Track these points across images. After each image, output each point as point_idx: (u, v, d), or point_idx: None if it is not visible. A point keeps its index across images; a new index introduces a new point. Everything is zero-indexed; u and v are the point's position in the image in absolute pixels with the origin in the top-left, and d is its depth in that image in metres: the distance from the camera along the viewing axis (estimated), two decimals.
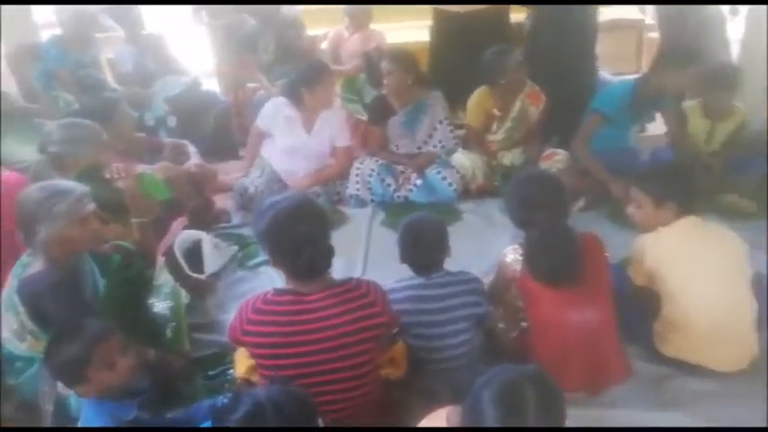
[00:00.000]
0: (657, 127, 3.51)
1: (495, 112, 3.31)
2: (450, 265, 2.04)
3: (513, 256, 2.02)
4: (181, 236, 2.72)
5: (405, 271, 2.03)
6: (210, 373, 2.14)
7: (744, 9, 3.80)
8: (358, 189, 3.31)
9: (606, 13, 3.87)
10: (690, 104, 3.25)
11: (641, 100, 3.02)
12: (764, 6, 3.48)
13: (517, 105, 3.28)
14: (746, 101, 3.25)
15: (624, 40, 4.76)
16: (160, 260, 2.51)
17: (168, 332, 2.19)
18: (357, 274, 2.67)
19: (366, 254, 2.88)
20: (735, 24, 3.90)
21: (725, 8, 3.83)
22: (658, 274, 1.97)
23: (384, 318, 1.67)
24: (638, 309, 2.07)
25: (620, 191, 2.76)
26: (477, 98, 3.35)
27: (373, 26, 4.32)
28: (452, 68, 3.74)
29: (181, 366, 2.05)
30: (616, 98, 3.03)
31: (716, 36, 3.82)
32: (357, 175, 3.32)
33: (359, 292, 1.66)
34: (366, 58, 4.11)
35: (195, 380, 2.07)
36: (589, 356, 1.88)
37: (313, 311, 1.61)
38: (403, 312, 1.88)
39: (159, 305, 2.31)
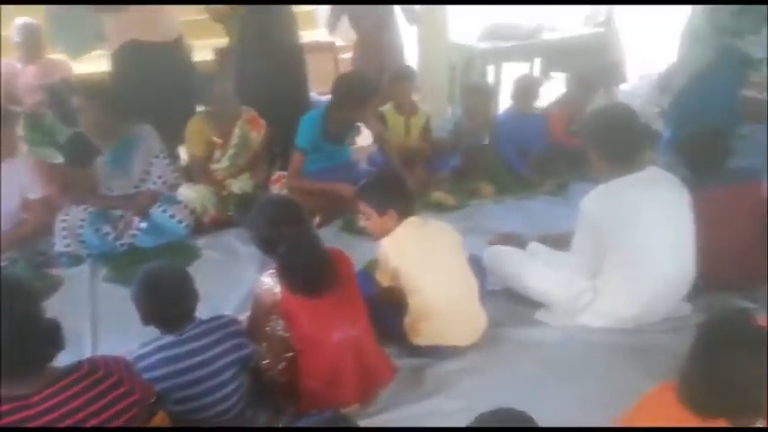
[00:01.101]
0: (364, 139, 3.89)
1: (216, 139, 3.20)
2: (201, 311, 1.88)
3: (270, 281, 1.97)
4: None
5: (149, 331, 1.80)
6: None
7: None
8: (68, 245, 2.84)
9: (303, 36, 4.08)
10: (385, 107, 3.64)
11: (334, 127, 3.19)
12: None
13: (237, 132, 3.21)
14: (428, 104, 3.80)
15: (322, 62, 5.09)
16: None
17: None
18: (87, 348, 2.28)
19: (93, 320, 2.47)
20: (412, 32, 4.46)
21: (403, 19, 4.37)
22: (401, 273, 2.12)
23: (136, 395, 1.44)
24: (389, 308, 2.21)
25: (347, 191, 2.91)
26: (193, 127, 3.19)
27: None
28: (149, 99, 3.40)
29: None
30: (309, 131, 3.14)
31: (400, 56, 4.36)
32: (64, 228, 2.85)
33: (96, 377, 1.38)
34: (50, 93, 3.56)
35: None
36: (357, 366, 1.94)
37: (39, 416, 1.29)
38: (159, 379, 1.66)
39: None
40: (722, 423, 1.32)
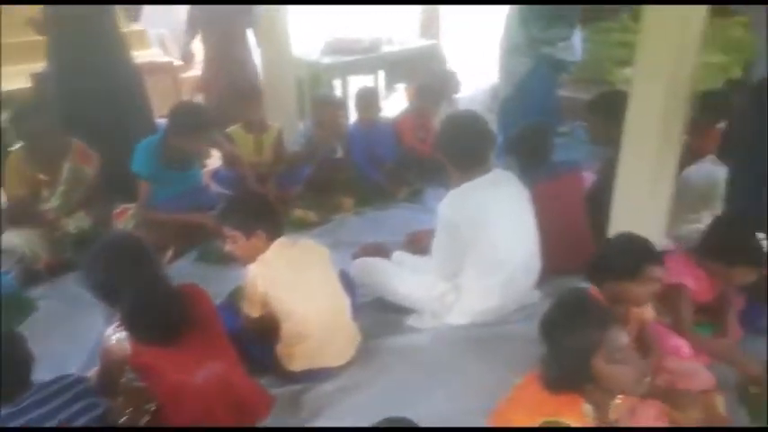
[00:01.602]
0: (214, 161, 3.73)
1: (41, 176, 2.84)
2: (42, 371, 1.65)
3: (116, 335, 1.76)
4: None
5: None
6: None
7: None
8: None
9: (139, 57, 3.81)
10: (232, 128, 3.54)
11: (174, 154, 3.00)
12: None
13: (67, 166, 2.88)
14: (278, 120, 3.74)
15: (161, 83, 4.80)
16: None
17: None
18: None
19: None
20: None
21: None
22: (272, 298, 2.04)
23: None
24: (259, 338, 2.11)
25: (209, 221, 2.78)
26: (11, 165, 2.81)
27: None
28: None
29: None
30: (146, 159, 2.94)
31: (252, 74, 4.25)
32: None
33: None
34: None
35: None
36: (228, 405, 1.81)
37: None
38: None
39: None
40: (579, 399, 1.44)
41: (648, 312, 1.92)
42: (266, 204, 2.26)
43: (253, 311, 2.07)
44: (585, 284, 2.51)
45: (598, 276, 1.84)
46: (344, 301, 2.22)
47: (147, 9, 3.79)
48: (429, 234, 2.52)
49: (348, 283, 2.38)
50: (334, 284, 2.22)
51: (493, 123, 4.44)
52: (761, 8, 3.94)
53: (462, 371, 2.14)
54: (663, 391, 1.79)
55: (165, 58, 5.10)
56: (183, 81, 4.92)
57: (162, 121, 3.66)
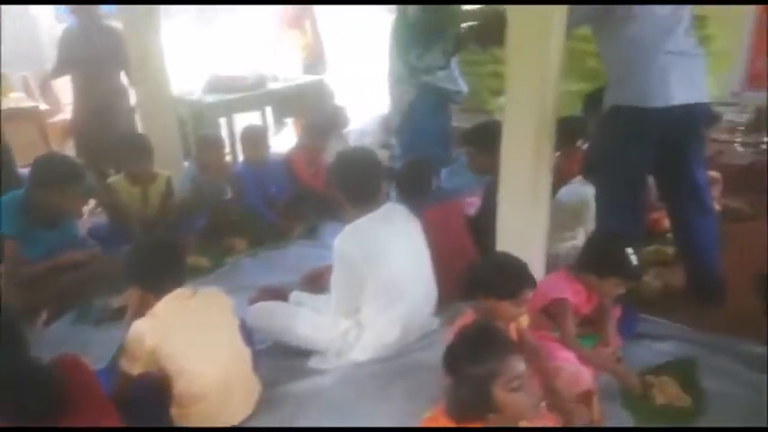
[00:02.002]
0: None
1: None
2: None
3: None
4: None
5: None
6: None
7: None
8: None
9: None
10: (114, 179, 3.36)
11: (40, 210, 2.75)
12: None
13: None
14: (162, 164, 3.55)
15: (25, 129, 4.46)
16: None
17: None
18: None
19: None
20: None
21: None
22: (163, 355, 1.90)
23: None
24: (146, 398, 1.96)
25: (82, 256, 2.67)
26: None
27: None
28: None
29: None
30: (9, 214, 2.68)
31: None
32: None
33: None
34: None
35: None
36: None
37: None
38: None
39: None
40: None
41: (523, 322, 2.01)
42: (170, 254, 2.11)
43: (133, 368, 1.90)
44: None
45: (475, 293, 1.88)
46: (245, 354, 2.12)
47: (7, 51, 3.52)
48: (327, 270, 2.50)
49: (246, 332, 2.29)
50: (235, 337, 2.11)
51: (385, 157, 4.59)
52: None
53: (370, 409, 2.11)
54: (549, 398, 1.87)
55: (30, 103, 4.74)
56: (51, 127, 4.59)
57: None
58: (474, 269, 1.92)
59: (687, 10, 2.30)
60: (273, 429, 2.02)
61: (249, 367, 2.14)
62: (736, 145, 4.33)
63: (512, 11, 2.30)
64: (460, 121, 4.87)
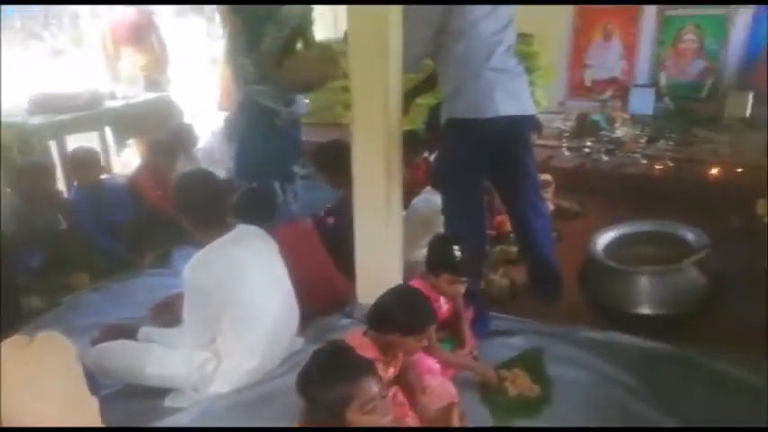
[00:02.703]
0: None
1: None
2: None
3: None
4: None
5: None
6: None
7: None
8: None
9: None
10: None
11: None
12: None
13: None
14: None
15: None
16: None
17: None
18: None
19: None
20: None
21: None
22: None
23: None
24: None
25: None
26: None
27: None
28: None
29: None
30: None
31: None
32: None
33: None
34: None
35: None
36: None
37: None
38: None
39: None
40: None
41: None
42: None
43: None
44: (346, 320, 2.64)
45: (381, 328, 1.86)
46: (91, 405, 1.90)
47: None
48: (178, 299, 2.34)
49: (91, 378, 2.05)
50: (78, 386, 1.87)
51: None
52: None
53: None
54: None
55: None
56: None
57: None
58: (381, 306, 1.89)
59: (509, 32, 2.51)
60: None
61: (96, 418, 1.92)
62: (563, 149, 4.78)
63: (351, 31, 2.36)
64: (315, 136, 4.89)
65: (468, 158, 2.52)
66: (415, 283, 2.28)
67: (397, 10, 2.32)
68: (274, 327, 2.32)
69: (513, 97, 2.49)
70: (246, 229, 2.37)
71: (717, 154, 4.59)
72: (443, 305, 2.31)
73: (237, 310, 2.22)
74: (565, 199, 4.16)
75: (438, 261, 2.24)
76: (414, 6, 2.39)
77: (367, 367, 1.52)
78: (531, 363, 2.33)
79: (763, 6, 5.37)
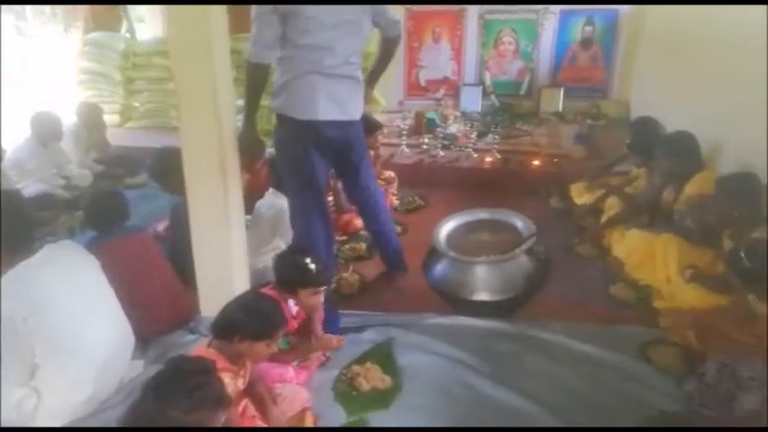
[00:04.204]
0: None
1: None
2: None
3: None
4: None
5: None
6: None
7: None
8: None
9: None
10: None
11: None
12: None
13: None
14: None
15: None
16: None
17: None
18: None
19: None
20: None
21: None
22: None
23: None
24: None
25: None
26: None
27: None
28: None
29: None
30: None
31: None
32: None
33: None
34: None
35: None
36: None
37: None
38: None
39: None
40: None
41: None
42: None
43: None
44: (188, 342, 2.47)
45: (229, 336, 1.77)
46: None
47: None
48: None
49: None
50: None
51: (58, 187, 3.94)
52: None
53: None
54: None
55: None
56: None
57: None
58: (229, 314, 1.80)
59: (350, 40, 2.52)
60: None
61: None
62: (403, 147, 4.97)
63: (171, 33, 2.24)
64: (147, 141, 4.58)
65: (301, 155, 2.54)
66: (268, 290, 2.20)
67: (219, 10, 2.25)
68: (104, 352, 2.09)
69: (338, 103, 2.53)
70: (59, 246, 2.10)
71: (536, 145, 5.08)
72: (293, 307, 2.26)
73: (53, 339, 1.96)
74: (408, 193, 4.33)
75: (292, 278, 2.19)
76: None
77: (219, 393, 1.45)
78: (383, 355, 2.38)
79: (569, 10, 6.06)
